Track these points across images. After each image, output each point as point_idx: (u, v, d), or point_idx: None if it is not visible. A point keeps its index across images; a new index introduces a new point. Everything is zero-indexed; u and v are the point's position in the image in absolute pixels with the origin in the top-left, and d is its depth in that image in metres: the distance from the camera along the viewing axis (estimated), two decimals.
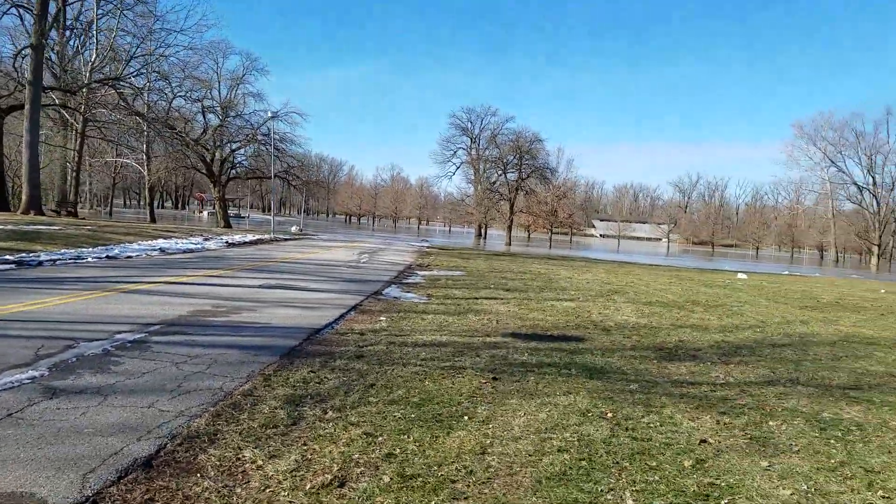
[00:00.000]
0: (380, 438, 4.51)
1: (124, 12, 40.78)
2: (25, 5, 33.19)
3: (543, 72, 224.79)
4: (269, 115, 41.85)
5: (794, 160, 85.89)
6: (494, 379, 6.30)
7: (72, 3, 36.87)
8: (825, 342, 10.06)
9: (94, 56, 37.33)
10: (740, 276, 27.41)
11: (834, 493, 4.04)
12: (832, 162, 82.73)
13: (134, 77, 44.70)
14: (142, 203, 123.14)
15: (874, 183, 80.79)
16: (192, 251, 19.81)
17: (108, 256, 16.06)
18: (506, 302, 12.39)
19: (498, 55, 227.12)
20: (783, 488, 4.07)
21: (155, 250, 18.52)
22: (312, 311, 9.68)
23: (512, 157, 60.71)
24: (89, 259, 15.36)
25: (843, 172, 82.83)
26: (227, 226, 48.53)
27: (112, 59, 45.30)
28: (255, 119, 50.35)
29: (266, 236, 31.98)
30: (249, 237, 28.86)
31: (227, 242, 24.00)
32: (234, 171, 51.78)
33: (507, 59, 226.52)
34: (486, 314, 10.62)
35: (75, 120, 38.60)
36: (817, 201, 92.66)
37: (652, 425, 5.18)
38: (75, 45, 40.74)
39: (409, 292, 12.91)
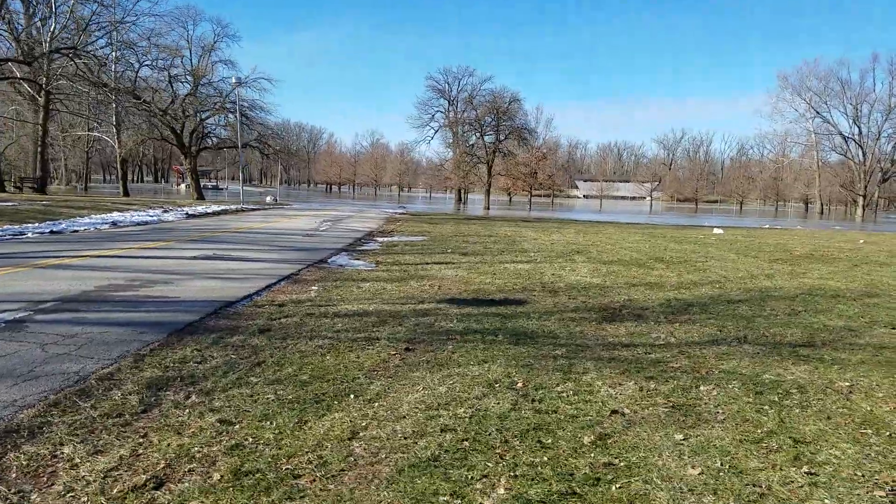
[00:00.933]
0: (236, 427, 3.90)
1: None
2: None
3: (521, 28, 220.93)
4: (235, 81, 40.28)
5: (779, 112, 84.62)
6: (407, 349, 5.70)
7: None
8: (786, 296, 9.53)
9: (52, 25, 35.85)
10: (716, 231, 26.94)
11: (751, 471, 3.48)
12: (817, 112, 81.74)
13: (100, 48, 43.23)
14: (140, 179, 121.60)
15: (860, 133, 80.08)
16: (146, 223, 19.03)
17: (52, 231, 15.29)
18: (457, 266, 11.77)
19: (473, 11, 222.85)
20: (692, 467, 3.50)
21: (106, 224, 17.73)
22: (237, 282, 9.02)
23: (489, 118, 59.38)
24: (29, 235, 14.61)
25: (829, 123, 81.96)
26: (200, 197, 47.45)
27: (78, 30, 43.76)
28: (224, 87, 48.94)
29: (232, 207, 31.12)
30: (214, 208, 28.02)
31: (187, 214, 23.20)
32: (206, 142, 50.41)
33: (483, 15, 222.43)
34: (431, 280, 10.00)
35: (37, 93, 37.15)
36: (803, 154, 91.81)
37: (564, 395, 4.60)
38: (40, 13, 39.03)
39: (358, 259, 12.27)
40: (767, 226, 40.86)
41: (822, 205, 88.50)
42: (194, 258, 11.32)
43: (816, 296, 9.64)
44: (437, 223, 26.23)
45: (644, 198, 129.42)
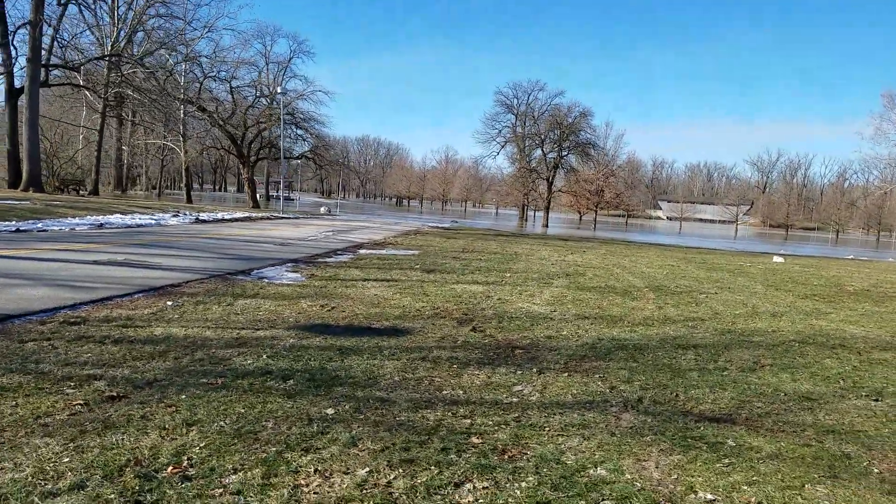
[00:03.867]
0: None
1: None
2: None
3: (604, 47, 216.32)
4: (279, 90, 40.14)
5: (883, 133, 77.45)
6: (112, 398, 4.15)
7: None
8: (767, 343, 7.40)
9: (114, 32, 36.93)
10: (776, 259, 23.98)
11: None
12: None
13: (176, 62, 44.41)
14: (203, 185, 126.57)
15: None
16: (138, 226, 18.49)
17: (17, 230, 14.80)
18: (394, 285, 10.18)
19: (555, 32, 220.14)
20: None
21: (90, 225, 17.23)
22: (76, 292, 7.40)
23: (550, 133, 57.10)
24: None
25: None
26: (255, 206, 47.90)
27: (149, 41, 45.29)
28: (284, 99, 49.37)
29: (256, 215, 30.66)
30: (237, 214, 27.57)
31: (196, 219, 22.65)
32: (263, 152, 50.98)
33: (565, 36, 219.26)
34: (339, 299, 8.46)
35: (96, 99, 38.37)
36: None
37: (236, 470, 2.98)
38: (89, 19, 40.31)
39: (294, 272, 10.92)
40: (852, 256, 36.78)
41: None
42: (95, 262, 10.18)
43: (810, 344, 7.44)
44: (455, 238, 24.53)
45: (732, 222, 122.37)
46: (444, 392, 4.71)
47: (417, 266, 13.19)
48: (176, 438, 3.48)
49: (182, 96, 44.16)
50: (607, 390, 5.09)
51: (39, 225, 16.03)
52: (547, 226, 58.63)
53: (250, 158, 49.28)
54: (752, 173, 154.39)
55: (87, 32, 39.40)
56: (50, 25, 33.36)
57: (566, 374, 5.47)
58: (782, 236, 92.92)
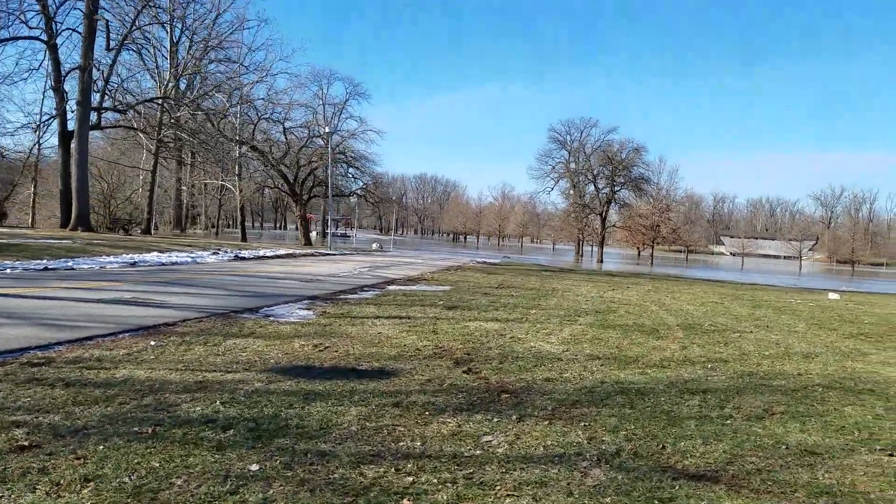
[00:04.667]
0: None
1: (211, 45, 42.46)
2: (76, 29, 34.56)
3: (658, 80, 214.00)
4: (327, 129, 41.03)
5: None
6: (24, 447, 3.96)
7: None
8: (789, 387, 6.84)
9: (168, 76, 38.74)
10: (832, 296, 22.69)
11: None
12: None
13: (232, 105, 46.24)
14: (263, 224, 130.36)
15: None
16: (172, 264, 18.90)
17: (45, 268, 15.28)
18: (405, 322, 9.98)
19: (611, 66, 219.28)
20: None
21: (123, 263, 17.69)
22: (61, 331, 7.42)
23: (602, 168, 56.44)
24: (8, 270, 14.41)
25: None
26: (308, 243, 48.86)
27: (203, 86, 47.34)
28: (336, 139, 50.56)
29: (307, 251, 31.09)
30: (281, 251, 28.01)
31: (235, 256, 23.10)
32: (316, 190, 52.15)
33: (617, 70, 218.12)
34: (338, 338, 8.28)
35: (150, 141, 40.10)
36: None
37: None
38: (149, 64, 42.23)
39: (308, 310, 10.87)
40: None
41: None
42: (99, 301, 10.30)
43: (835, 389, 6.84)
44: (496, 273, 24.20)
45: (796, 257, 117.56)
46: (401, 444, 4.43)
47: (441, 303, 12.98)
48: (62, 496, 3.28)
49: (237, 137, 45.74)
50: (585, 441, 4.73)
51: (70, 263, 16.55)
52: (601, 261, 57.56)
53: (303, 197, 50.44)
54: (816, 208, 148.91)
55: (147, 76, 41.36)
56: (99, 70, 35.09)
57: (547, 423, 5.13)
58: (849, 272, 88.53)
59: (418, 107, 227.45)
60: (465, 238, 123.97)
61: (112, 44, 35.00)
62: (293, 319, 9.74)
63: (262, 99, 48.85)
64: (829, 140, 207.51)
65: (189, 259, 20.44)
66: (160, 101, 38.15)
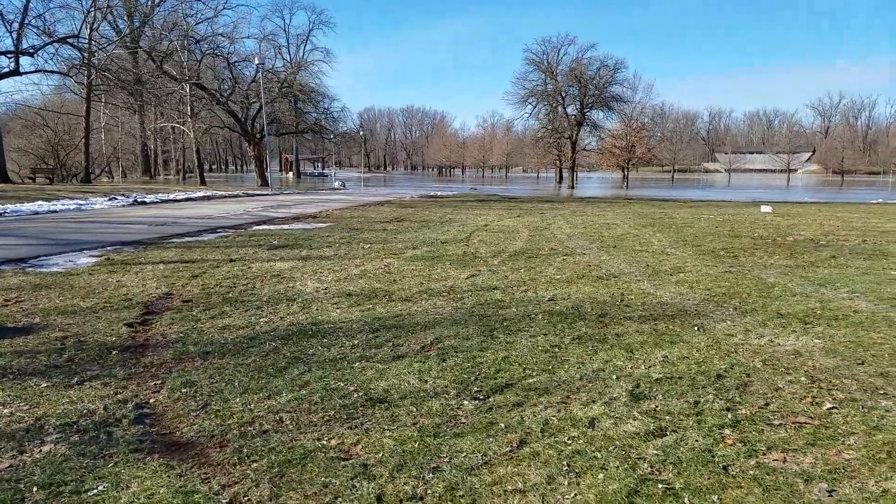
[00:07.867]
0: None
1: None
2: None
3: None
4: (257, 62, 38.30)
5: None
6: None
7: None
8: (520, 314, 5.87)
9: (93, 13, 36.21)
10: (763, 209, 21.58)
11: None
12: None
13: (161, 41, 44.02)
14: (245, 168, 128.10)
15: None
16: (49, 212, 17.91)
17: None
18: (174, 269, 9.02)
19: None
20: None
21: None
22: None
23: (570, 88, 54.07)
24: None
25: None
26: (265, 184, 47.58)
27: (142, 25, 45.15)
28: (283, 72, 48.56)
29: (239, 192, 30.01)
30: (199, 194, 26.92)
31: (135, 201, 22.01)
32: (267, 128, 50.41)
33: None
34: (43, 291, 7.39)
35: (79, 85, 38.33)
36: None
37: None
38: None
39: (98, 258, 9.89)
40: (880, 200, 33.48)
41: None
42: None
43: (555, 314, 5.85)
44: (413, 207, 22.99)
45: (795, 170, 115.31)
46: None
47: (276, 242, 11.93)
48: None
49: (181, 77, 43.73)
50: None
51: None
52: (573, 187, 56.25)
53: (255, 136, 48.81)
54: (815, 118, 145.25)
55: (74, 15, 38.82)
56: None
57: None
58: (837, 183, 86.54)
59: (413, 36, 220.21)
60: (451, 171, 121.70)
61: None
62: (55, 269, 8.78)
63: (224, 35, 46.38)
64: (829, 49, 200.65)
65: (74, 206, 19.39)
66: (75, 42, 35.91)
